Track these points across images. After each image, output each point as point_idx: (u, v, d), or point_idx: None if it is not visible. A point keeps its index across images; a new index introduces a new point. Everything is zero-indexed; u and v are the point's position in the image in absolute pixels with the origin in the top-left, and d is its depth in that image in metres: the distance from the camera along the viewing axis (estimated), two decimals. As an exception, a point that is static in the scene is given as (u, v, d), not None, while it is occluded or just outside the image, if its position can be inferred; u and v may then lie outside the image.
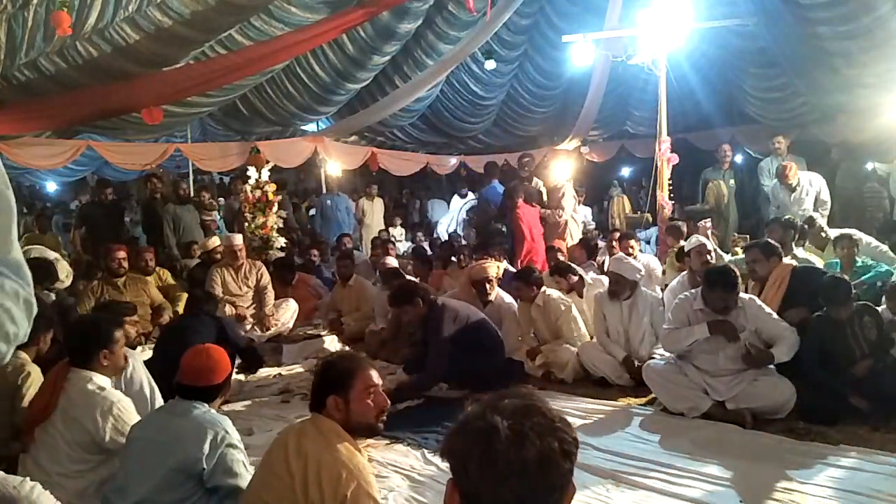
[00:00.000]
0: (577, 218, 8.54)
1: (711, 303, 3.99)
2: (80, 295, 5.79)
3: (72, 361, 2.99)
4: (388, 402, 2.36)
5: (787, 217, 6.20)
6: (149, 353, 5.35)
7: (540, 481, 1.03)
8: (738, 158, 11.52)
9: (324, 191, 11.16)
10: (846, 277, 4.22)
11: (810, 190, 7.48)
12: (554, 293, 5.24)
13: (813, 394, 3.81)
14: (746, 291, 4.61)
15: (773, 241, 4.78)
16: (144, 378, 3.59)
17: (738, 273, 4.07)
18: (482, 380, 4.28)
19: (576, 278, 5.52)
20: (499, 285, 5.52)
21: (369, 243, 9.55)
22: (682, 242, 6.49)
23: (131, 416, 2.94)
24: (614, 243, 6.86)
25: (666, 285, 6.15)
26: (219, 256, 7.13)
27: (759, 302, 4.10)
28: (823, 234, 5.87)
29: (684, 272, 5.60)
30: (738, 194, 8.60)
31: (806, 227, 6.06)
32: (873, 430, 3.54)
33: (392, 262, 7.20)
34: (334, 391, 2.23)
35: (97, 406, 2.85)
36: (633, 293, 4.74)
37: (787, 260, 4.78)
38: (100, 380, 2.97)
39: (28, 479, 2.37)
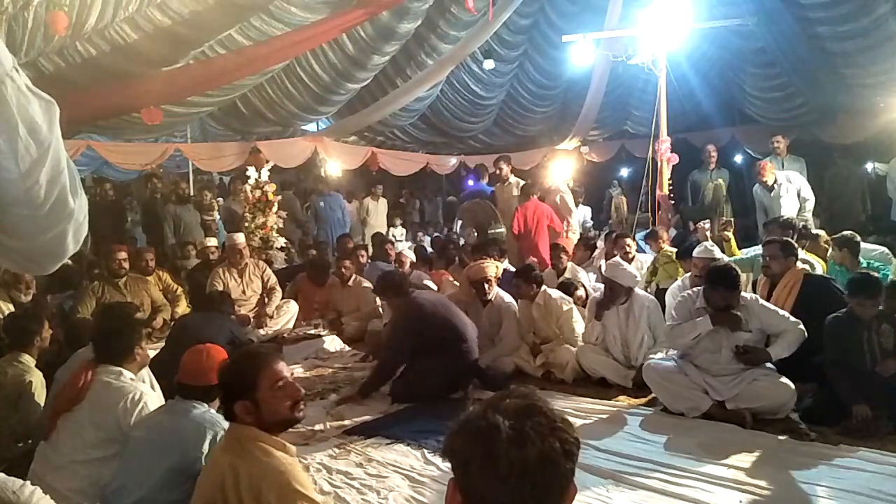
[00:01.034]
0: (571, 220, 8.47)
1: (713, 302, 3.99)
2: (81, 296, 5.77)
3: (102, 358, 3.06)
4: (302, 391, 2.19)
5: (785, 217, 6.20)
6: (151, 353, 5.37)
7: (541, 481, 1.03)
8: (738, 158, 11.55)
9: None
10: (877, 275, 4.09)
11: (790, 187, 7.36)
12: (555, 293, 5.23)
13: (820, 395, 3.79)
14: (755, 287, 4.60)
15: (793, 242, 4.72)
16: (146, 377, 3.60)
17: (739, 272, 4.07)
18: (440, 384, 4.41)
19: (581, 292, 5.54)
20: (498, 285, 5.51)
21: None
22: (665, 247, 6.51)
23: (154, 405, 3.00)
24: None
25: (657, 286, 6.12)
26: (213, 257, 7.13)
27: (760, 300, 4.10)
28: (825, 244, 5.78)
29: (686, 274, 5.58)
30: (737, 194, 8.61)
31: (806, 227, 6.06)
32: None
33: (409, 255, 7.37)
34: (240, 396, 2.08)
35: (127, 394, 2.91)
36: (628, 298, 4.74)
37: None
38: (128, 374, 3.07)
39: (28, 483, 2.36)
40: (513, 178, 8.06)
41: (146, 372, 3.63)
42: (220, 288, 6.35)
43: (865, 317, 3.81)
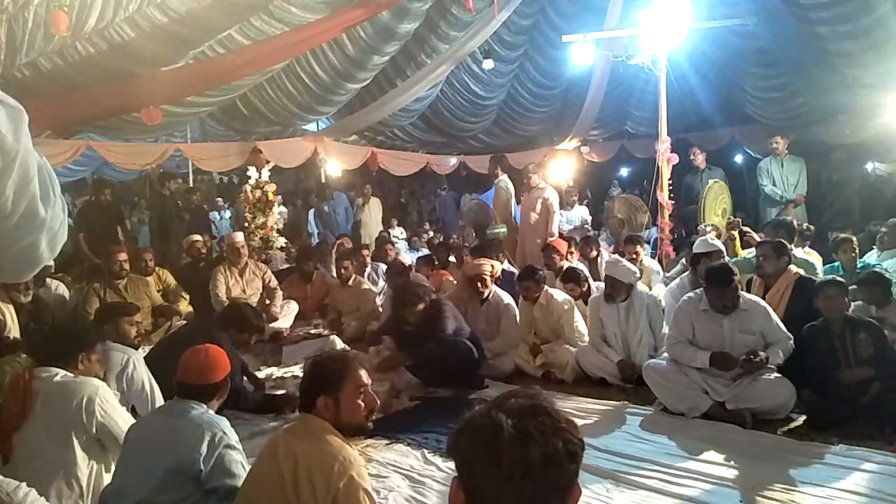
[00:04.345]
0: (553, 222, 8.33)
1: (711, 302, 4.01)
2: (86, 296, 5.76)
3: (42, 362, 2.92)
4: (378, 402, 2.37)
5: (783, 218, 6.20)
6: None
7: (543, 482, 1.03)
8: (738, 158, 11.55)
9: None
10: (840, 279, 4.08)
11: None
12: (558, 293, 5.23)
13: (822, 400, 3.77)
14: (750, 289, 4.62)
15: (784, 243, 4.66)
16: (145, 378, 3.60)
17: (735, 271, 4.07)
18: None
19: (586, 287, 5.55)
20: (497, 285, 5.51)
21: (372, 243, 9.57)
22: (595, 253, 6.56)
23: (114, 401, 2.93)
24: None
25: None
26: (202, 254, 7.19)
27: (763, 304, 4.11)
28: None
29: (685, 274, 5.58)
30: (737, 195, 8.60)
31: (810, 229, 6.05)
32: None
33: (406, 258, 7.41)
34: (324, 391, 2.22)
35: (79, 392, 2.77)
36: (629, 295, 4.74)
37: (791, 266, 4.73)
38: (68, 372, 2.92)
39: (23, 484, 2.35)
40: (503, 178, 8.07)
41: (145, 375, 3.63)
42: (222, 287, 6.35)
43: (833, 316, 3.77)
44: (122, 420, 2.86)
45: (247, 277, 6.58)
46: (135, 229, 11.90)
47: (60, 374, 2.87)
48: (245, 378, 4.57)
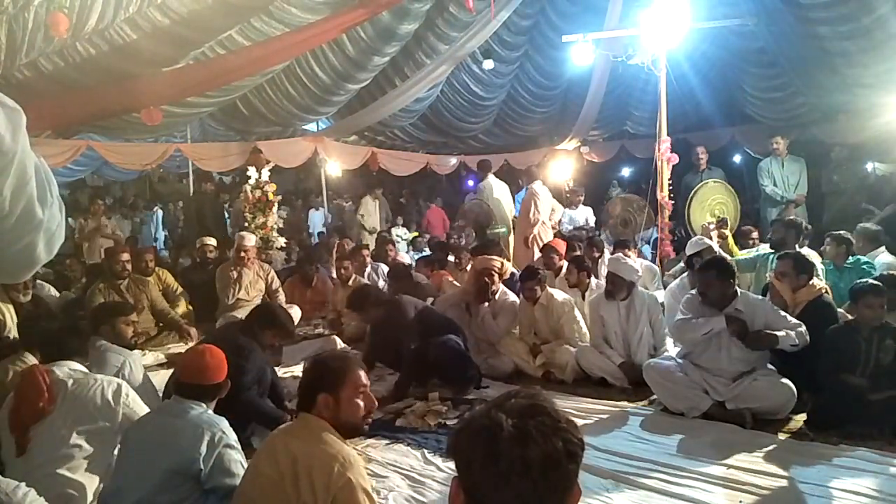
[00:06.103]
0: (546, 221, 8.29)
1: (699, 290, 4.05)
2: (90, 296, 5.76)
3: (52, 357, 3.01)
4: (376, 403, 2.37)
5: (790, 217, 6.19)
6: (149, 356, 5.37)
7: (543, 482, 1.02)
8: (738, 158, 11.54)
9: (324, 194, 11.28)
10: (881, 286, 3.86)
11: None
12: (558, 294, 5.23)
13: (823, 400, 3.74)
14: (765, 292, 4.60)
15: (809, 259, 4.47)
16: (142, 380, 3.60)
17: (729, 264, 4.07)
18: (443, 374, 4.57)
19: (587, 281, 5.56)
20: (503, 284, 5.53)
21: (373, 243, 9.59)
22: (598, 254, 6.52)
23: (135, 394, 3.01)
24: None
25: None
26: (210, 257, 7.15)
27: (763, 299, 4.10)
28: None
29: (685, 273, 5.59)
30: (737, 195, 8.60)
31: (808, 228, 6.03)
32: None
33: (405, 258, 7.40)
34: (325, 389, 2.21)
35: (105, 386, 2.88)
36: (630, 294, 4.75)
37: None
38: (80, 366, 3.04)
39: (22, 484, 2.35)
40: (490, 180, 8.14)
41: (143, 375, 3.63)
42: (230, 287, 6.34)
43: (871, 320, 3.69)
44: (144, 412, 2.93)
45: (251, 279, 6.57)
46: (136, 229, 11.94)
47: (77, 367, 2.97)
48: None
